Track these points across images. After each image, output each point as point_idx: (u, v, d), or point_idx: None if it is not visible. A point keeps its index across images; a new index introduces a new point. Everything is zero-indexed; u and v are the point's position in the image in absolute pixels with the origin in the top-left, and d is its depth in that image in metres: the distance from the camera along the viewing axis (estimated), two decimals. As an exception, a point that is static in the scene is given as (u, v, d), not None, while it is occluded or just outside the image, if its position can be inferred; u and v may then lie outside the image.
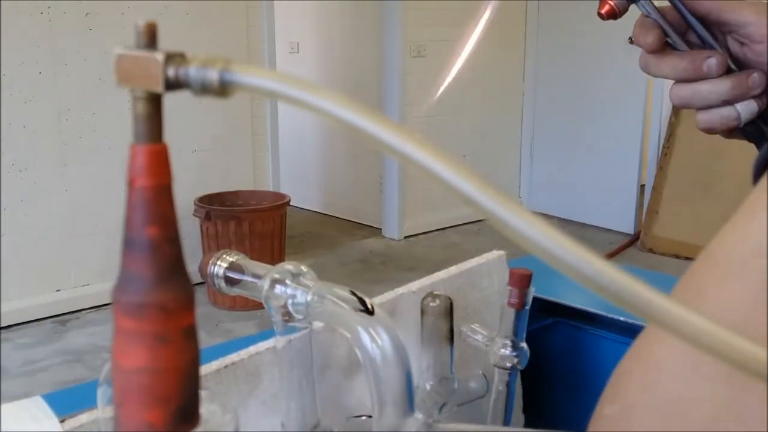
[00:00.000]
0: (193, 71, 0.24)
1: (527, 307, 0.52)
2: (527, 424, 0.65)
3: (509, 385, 0.53)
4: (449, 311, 0.54)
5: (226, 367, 0.49)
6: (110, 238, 3.44)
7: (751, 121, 0.54)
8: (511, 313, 0.52)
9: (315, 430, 0.46)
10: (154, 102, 0.25)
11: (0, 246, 3.25)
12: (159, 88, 0.24)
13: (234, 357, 0.50)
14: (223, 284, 0.47)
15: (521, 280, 0.52)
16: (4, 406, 0.47)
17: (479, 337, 0.54)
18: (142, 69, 0.24)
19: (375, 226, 4.81)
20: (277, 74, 0.24)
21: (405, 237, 4.67)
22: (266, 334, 0.51)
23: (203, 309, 3.37)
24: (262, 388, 0.51)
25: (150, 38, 0.24)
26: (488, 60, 4.82)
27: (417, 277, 0.62)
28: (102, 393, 0.40)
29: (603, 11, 0.57)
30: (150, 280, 0.25)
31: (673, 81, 0.56)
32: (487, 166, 4.91)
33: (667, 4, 0.57)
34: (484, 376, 0.54)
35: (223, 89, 0.24)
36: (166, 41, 0.23)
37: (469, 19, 4.63)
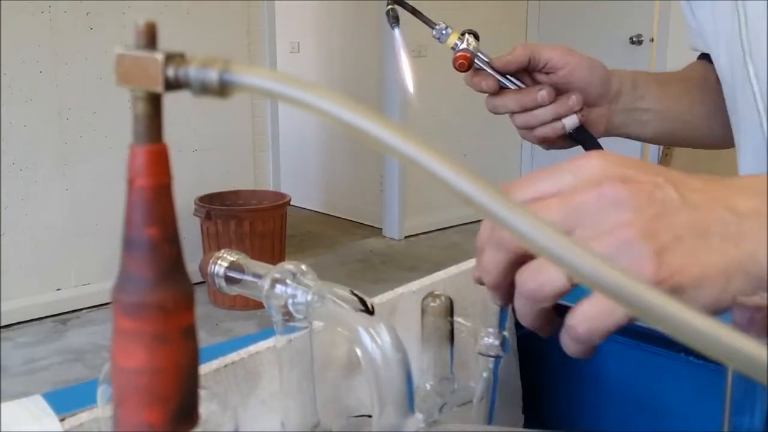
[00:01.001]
0: (192, 71, 0.24)
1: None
2: (527, 424, 0.65)
3: (494, 372, 0.54)
4: (449, 311, 0.54)
5: (225, 366, 0.49)
6: (110, 237, 3.44)
7: (576, 130, 0.77)
8: (495, 307, 0.52)
9: (315, 429, 0.46)
10: (154, 102, 0.25)
11: (0, 245, 3.25)
12: (159, 88, 0.24)
13: (234, 356, 0.50)
14: (223, 284, 0.47)
15: None
16: (4, 404, 0.47)
17: (464, 329, 0.55)
18: (142, 69, 0.24)
19: (375, 225, 4.81)
20: (276, 74, 0.24)
21: (405, 237, 4.67)
22: (266, 333, 0.51)
23: (203, 308, 3.37)
24: (261, 388, 0.51)
25: (150, 38, 0.24)
26: (489, 60, 4.81)
27: (417, 276, 0.62)
28: (102, 392, 0.40)
29: (457, 64, 0.76)
30: (149, 279, 0.25)
31: (514, 112, 0.77)
32: (487, 166, 4.91)
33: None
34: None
35: (222, 89, 0.24)
36: (166, 41, 0.23)
37: (471, 18, 4.63)
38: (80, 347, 3.12)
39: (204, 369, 0.48)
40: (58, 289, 3.45)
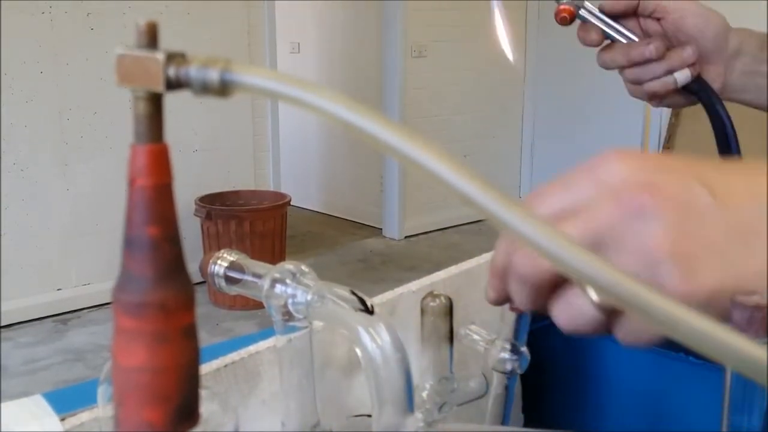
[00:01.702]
0: (193, 71, 0.24)
1: (528, 311, 0.52)
2: (527, 424, 0.65)
3: (508, 389, 0.52)
4: (449, 311, 0.55)
5: (226, 366, 0.49)
6: (111, 237, 3.44)
7: (694, 81, 0.72)
8: (511, 316, 0.51)
9: (315, 429, 0.47)
10: (155, 102, 0.25)
11: (1, 245, 3.25)
12: (160, 87, 0.24)
13: (234, 356, 0.50)
14: (223, 283, 0.47)
15: None
16: (4, 404, 0.47)
17: (478, 339, 0.53)
18: (143, 69, 0.24)
19: (375, 225, 4.81)
20: (277, 74, 0.24)
21: (405, 237, 4.67)
22: (266, 333, 0.51)
23: (204, 308, 3.37)
24: (262, 388, 0.51)
25: (151, 38, 0.24)
26: (488, 60, 4.83)
27: (417, 277, 0.62)
28: (102, 392, 0.40)
29: (559, 18, 0.72)
30: (150, 279, 0.25)
31: (624, 67, 0.73)
32: (487, 166, 4.91)
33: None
34: (484, 375, 0.54)
35: (223, 89, 0.24)
36: (167, 41, 0.23)
37: (471, 19, 4.63)
38: (81, 347, 3.12)
39: (204, 369, 0.48)
40: (58, 289, 3.45)
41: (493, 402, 0.52)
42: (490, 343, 0.51)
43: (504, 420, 0.52)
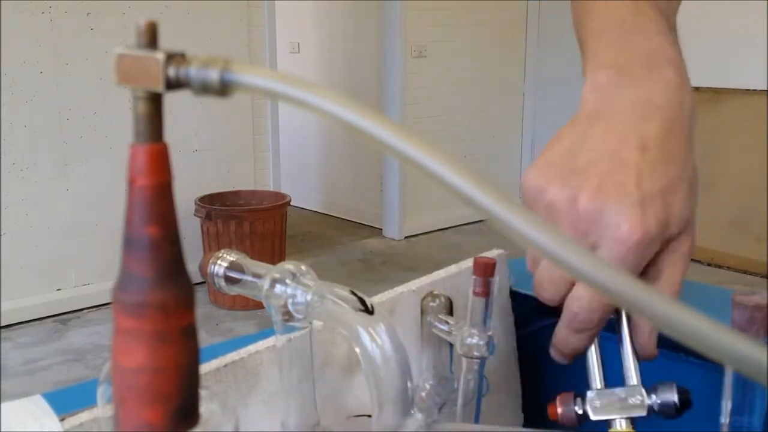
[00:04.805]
0: (193, 71, 0.24)
1: (492, 296, 0.52)
2: (527, 424, 0.65)
3: (479, 375, 0.52)
4: (449, 311, 0.54)
5: (225, 366, 0.49)
6: (111, 237, 3.44)
7: None
8: (477, 302, 0.51)
9: (315, 429, 0.46)
10: (155, 102, 0.25)
11: (0, 245, 3.25)
12: (159, 87, 0.24)
13: (234, 356, 0.50)
14: (223, 283, 0.47)
15: (485, 269, 0.52)
16: (4, 404, 0.47)
17: (445, 327, 0.53)
18: (143, 69, 0.24)
19: (375, 226, 4.80)
20: (277, 74, 0.24)
21: (405, 237, 4.66)
22: (266, 333, 0.51)
23: (204, 308, 3.37)
24: (261, 387, 0.51)
25: (151, 38, 0.24)
26: (488, 60, 4.82)
27: (417, 277, 0.61)
28: (102, 392, 0.40)
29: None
30: (150, 279, 0.25)
31: None
32: (487, 166, 4.91)
33: None
34: (485, 376, 0.55)
35: (223, 89, 0.24)
36: (167, 41, 0.23)
37: (471, 19, 4.63)
38: (81, 347, 3.12)
39: (204, 368, 0.48)
40: (58, 289, 3.45)
41: (465, 390, 0.52)
42: (458, 330, 0.52)
43: (476, 406, 0.53)
